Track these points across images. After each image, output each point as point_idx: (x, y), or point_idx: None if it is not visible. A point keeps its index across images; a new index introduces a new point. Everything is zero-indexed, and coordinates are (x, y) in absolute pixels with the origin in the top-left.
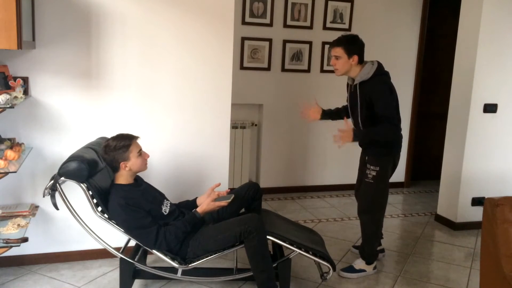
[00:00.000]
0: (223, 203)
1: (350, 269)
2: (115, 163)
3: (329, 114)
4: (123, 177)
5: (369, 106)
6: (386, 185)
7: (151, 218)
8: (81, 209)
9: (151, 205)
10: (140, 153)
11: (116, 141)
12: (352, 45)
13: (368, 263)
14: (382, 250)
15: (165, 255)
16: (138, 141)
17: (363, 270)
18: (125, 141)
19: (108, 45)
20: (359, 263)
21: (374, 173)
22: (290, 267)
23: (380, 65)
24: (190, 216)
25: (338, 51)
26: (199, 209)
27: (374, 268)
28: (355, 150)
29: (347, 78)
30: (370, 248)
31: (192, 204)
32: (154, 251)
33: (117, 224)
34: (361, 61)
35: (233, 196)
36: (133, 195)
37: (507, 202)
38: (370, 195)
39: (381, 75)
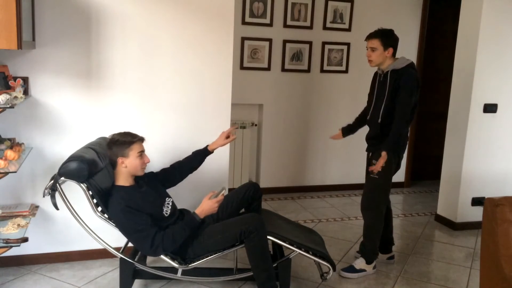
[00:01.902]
0: (220, 197)
1: (351, 269)
2: (114, 157)
3: (350, 130)
4: (122, 177)
5: (394, 94)
6: (389, 181)
7: (150, 221)
8: (81, 209)
9: (152, 207)
10: (141, 154)
11: (120, 136)
12: (389, 38)
13: (368, 262)
14: (392, 257)
15: (165, 255)
16: (144, 144)
17: (363, 270)
18: (129, 138)
19: (108, 45)
20: (359, 263)
21: (379, 169)
22: (290, 267)
23: (413, 63)
24: (189, 219)
25: (375, 42)
26: (198, 211)
27: (374, 267)
28: (355, 150)
29: (377, 68)
30: (371, 244)
31: (204, 152)
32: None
33: (116, 226)
34: (394, 55)
35: (223, 189)
36: (134, 197)
37: (507, 202)
38: (373, 191)
39: (413, 69)
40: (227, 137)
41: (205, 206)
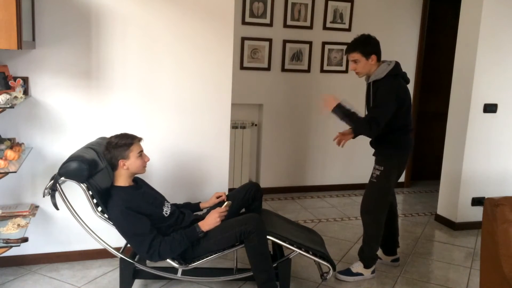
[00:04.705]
0: (223, 208)
1: (347, 272)
2: (114, 160)
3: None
4: (122, 178)
5: None
6: (389, 186)
7: (149, 225)
8: (81, 209)
9: (151, 207)
10: (141, 154)
11: (118, 139)
12: (367, 45)
13: (366, 266)
14: (397, 259)
15: None
16: (141, 143)
17: (360, 274)
18: (127, 140)
19: (108, 45)
20: (357, 267)
21: (378, 173)
22: (290, 267)
23: (397, 66)
24: (191, 231)
25: (355, 55)
26: (203, 226)
27: (373, 272)
28: (356, 150)
29: (365, 78)
30: (369, 250)
31: (195, 207)
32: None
33: (115, 227)
34: (379, 59)
35: (229, 203)
36: (133, 198)
37: (507, 202)
38: (372, 195)
39: (395, 75)
40: (218, 197)
41: (209, 218)
